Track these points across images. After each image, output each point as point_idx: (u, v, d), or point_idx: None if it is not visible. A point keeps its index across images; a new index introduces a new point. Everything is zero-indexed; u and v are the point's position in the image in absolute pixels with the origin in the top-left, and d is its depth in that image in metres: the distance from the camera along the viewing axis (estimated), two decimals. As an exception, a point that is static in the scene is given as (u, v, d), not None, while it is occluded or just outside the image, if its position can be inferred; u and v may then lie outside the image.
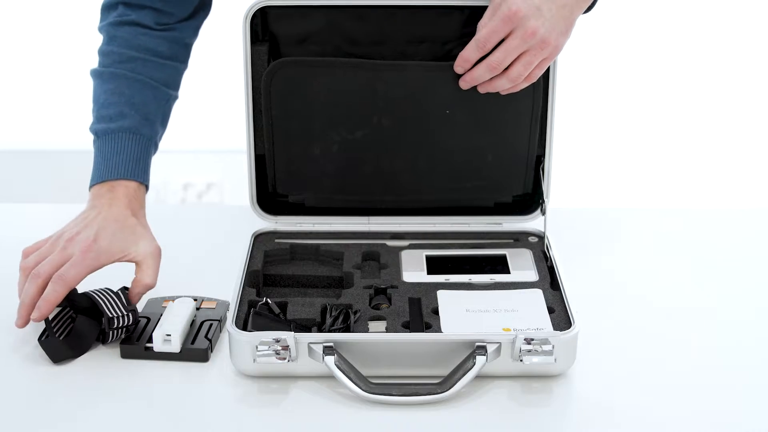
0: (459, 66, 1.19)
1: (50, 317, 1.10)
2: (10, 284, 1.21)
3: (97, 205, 1.20)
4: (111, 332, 1.10)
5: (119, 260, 1.16)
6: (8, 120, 2.91)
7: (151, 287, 1.15)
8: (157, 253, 1.17)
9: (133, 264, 1.17)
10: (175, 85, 1.32)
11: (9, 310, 1.19)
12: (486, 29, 1.14)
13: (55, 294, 1.09)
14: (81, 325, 1.11)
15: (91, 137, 1.27)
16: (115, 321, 1.09)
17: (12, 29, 2.79)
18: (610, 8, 2.50)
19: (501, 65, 1.16)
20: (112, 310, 1.09)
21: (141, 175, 1.24)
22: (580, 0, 1.15)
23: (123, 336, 1.11)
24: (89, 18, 2.84)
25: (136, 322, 1.11)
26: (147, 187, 1.26)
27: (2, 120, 2.91)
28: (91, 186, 1.23)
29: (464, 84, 1.21)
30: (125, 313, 1.10)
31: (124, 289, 1.13)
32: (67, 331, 1.11)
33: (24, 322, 1.10)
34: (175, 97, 1.33)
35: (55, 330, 1.09)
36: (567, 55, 1.55)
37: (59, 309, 1.12)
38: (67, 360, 1.08)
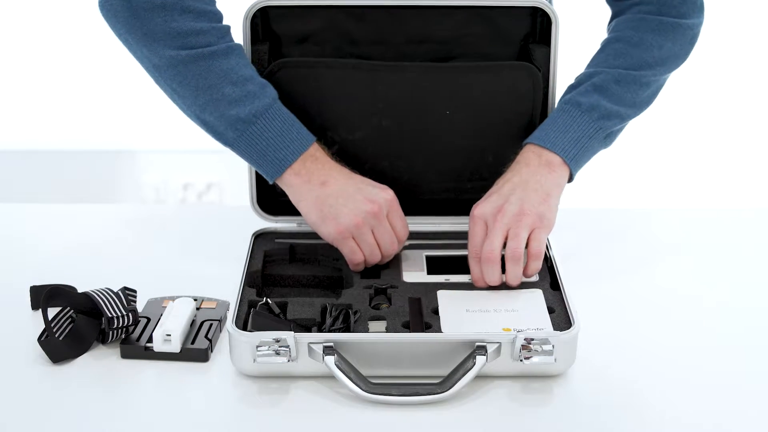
0: (477, 282, 1.18)
1: (50, 317, 1.10)
2: (10, 284, 1.21)
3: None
4: (111, 332, 1.10)
5: None
6: (8, 120, 2.91)
7: None
8: None
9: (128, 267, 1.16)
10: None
11: (9, 310, 1.19)
12: (469, 242, 1.18)
13: None
14: (81, 325, 1.11)
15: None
16: (115, 321, 1.09)
17: (12, 29, 2.79)
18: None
19: (492, 252, 1.14)
20: (111, 310, 1.09)
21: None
22: (554, 179, 1.19)
23: (123, 336, 1.11)
24: (89, 18, 2.85)
25: (136, 322, 1.11)
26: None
27: (2, 120, 2.91)
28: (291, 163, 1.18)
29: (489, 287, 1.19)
30: (125, 313, 1.10)
31: (125, 289, 1.13)
32: (66, 331, 1.11)
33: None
34: None
35: (54, 330, 1.09)
36: (568, 55, 1.55)
37: (59, 309, 1.12)
38: (66, 360, 1.08)
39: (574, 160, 1.21)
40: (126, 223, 1.45)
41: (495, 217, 1.16)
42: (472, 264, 1.17)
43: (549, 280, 1.20)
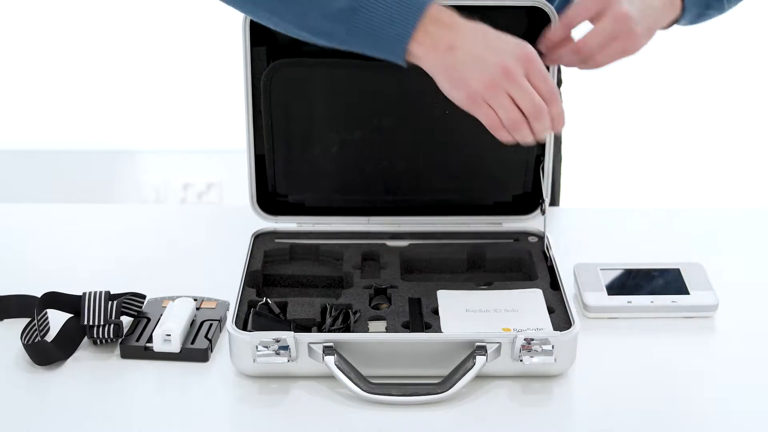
0: (542, 45, 1.14)
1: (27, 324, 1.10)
2: (11, 284, 1.21)
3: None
4: (93, 339, 1.10)
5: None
6: (8, 120, 2.91)
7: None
8: None
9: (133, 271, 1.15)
10: None
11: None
12: (575, 6, 1.11)
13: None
14: (68, 326, 1.10)
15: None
16: (93, 330, 1.09)
17: (12, 29, 2.79)
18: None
19: (587, 48, 1.11)
20: (93, 318, 1.09)
21: None
22: (666, 8, 1.16)
23: (108, 342, 1.11)
24: (89, 18, 2.85)
25: (118, 335, 1.10)
26: None
27: (2, 120, 2.91)
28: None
29: (549, 61, 1.15)
30: (102, 323, 1.09)
31: (131, 295, 1.14)
32: (44, 332, 1.11)
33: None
34: None
35: (40, 332, 1.09)
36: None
37: (30, 319, 1.12)
38: (55, 362, 1.08)
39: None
40: (126, 223, 1.45)
41: (618, 13, 1.11)
42: (556, 28, 1.15)
43: (549, 280, 1.20)
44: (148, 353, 1.09)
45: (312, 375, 1.05)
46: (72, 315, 1.12)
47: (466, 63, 1.05)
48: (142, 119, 2.92)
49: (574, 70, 1.24)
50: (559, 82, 1.56)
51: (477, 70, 1.05)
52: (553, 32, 1.16)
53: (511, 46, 1.06)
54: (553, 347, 1.03)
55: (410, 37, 1.05)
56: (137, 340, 1.10)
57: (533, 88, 1.05)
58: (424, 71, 1.23)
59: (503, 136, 1.08)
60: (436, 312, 1.13)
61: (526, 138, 1.07)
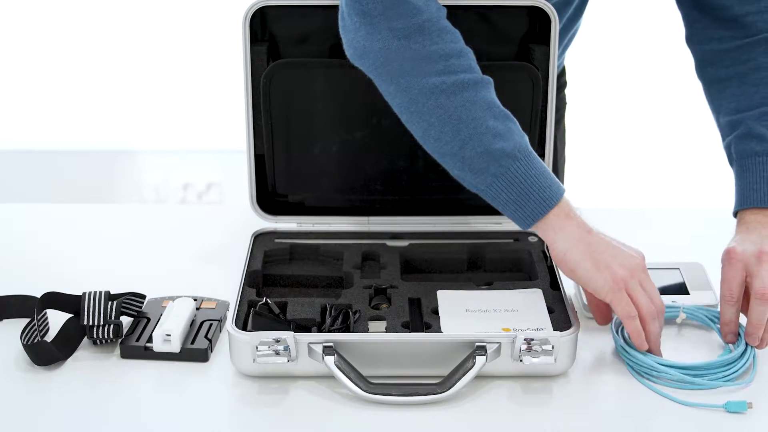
0: (730, 334, 1.10)
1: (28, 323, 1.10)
2: (11, 284, 1.21)
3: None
4: (93, 339, 1.10)
5: None
6: (8, 120, 2.91)
7: None
8: None
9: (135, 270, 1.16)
10: None
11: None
12: (723, 285, 1.11)
13: None
14: (68, 326, 1.10)
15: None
16: (93, 330, 1.09)
17: (12, 29, 2.79)
18: (615, 8, 2.49)
19: (765, 289, 1.07)
20: (92, 318, 1.09)
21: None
22: None
23: (108, 342, 1.11)
24: (89, 18, 2.85)
25: (118, 335, 1.10)
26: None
27: (2, 120, 2.91)
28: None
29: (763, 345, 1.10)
30: (102, 323, 1.09)
31: (132, 295, 1.14)
32: (44, 332, 1.11)
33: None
34: None
35: (40, 332, 1.09)
36: (568, 56, 1.55)
37: (30, 319, 1.11)
38: (55, 363, 1.08)
39: None
40: (126, 223, 1.45)
41: (759, 258, 1.09)
42: (725, 309, 1.10)
43: (549, 280, 1.20)
44: (148, 353, 1.09)
45: (312, 375, 1.05)
46: (72, 315, 1.12)
47: (607, 249, 1.06)
48: (142, 119, 2.92)
49: (577, 68, 1.24)
50: (564, 84, 1.56)
51: (618, 258, 1.06)
52: (726, 315, 1.11)
53: (632, 250, 1.08)
54: (553, 347, 1.03)
55: (555, 205, 1.07)
56: (137, 340, 1.10)
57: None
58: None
59: (641, 342, 1.06)
60: (436, 312, 1.13)
61: (637, 332, 1.05)
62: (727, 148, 1.22)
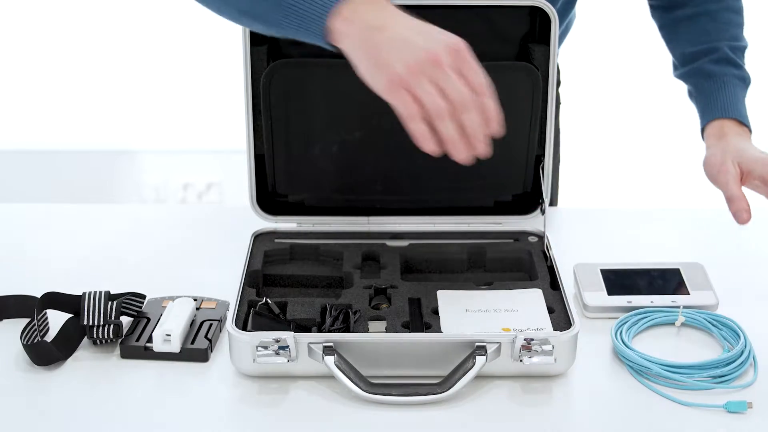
0: (741, 211, 1.25)
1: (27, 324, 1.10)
2: (10, 284, 1.21)
3: None
4: (93, 339, 1.10)
5: None
6: (8, 120, 2.91)
7: None
8: None
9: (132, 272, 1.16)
10: None
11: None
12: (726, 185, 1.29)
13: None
14: (68, 326, 1.10)
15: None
16: (93, 330, 1.09)
17: (12, 29, 2.79)
18: (609, 5, 2.49)
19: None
20: (92, 318, 1.09)
21: None
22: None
23: (108, 342, 1.11)
24: (89, 18, 2.85)
25: (118, 335, 1.10)
26: None
27: (2, 120, 2.91)
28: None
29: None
30: (102, 323, 1.09)
31: (132, 295, 1.13)
32: (44, 332, 1.11)
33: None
34: None
35: (40, 332, 1.09)
36: (568, 56, 1.55)
37: (30, 319, 1.12)
38: (55, 363, 1.08)
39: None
40: (126, 223, 1.45)
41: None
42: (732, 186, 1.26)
43: (549, 280, 1.20)
44: (148, 353, 1.09)
45: (312, 375, 1.05)
46: (72, 315, 1.12)
47: (392, 44, 0.97)
48: (142, 119, 2.92)
49: (573, 67, 1.24)
50: (558, 83, 1.56)
51: (404, 52, 0.97)
52: (733, 191, 1.29)
53: (444, 35, 0.99)
54: (553, 347, 1.03)
55: (331, 9, 0.99)
56: (137, 340, 1.10)
57: (464, 80, 0.98)
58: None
59: (428, 145, 1.00)
60: (436, 312, 1.13)
61: (458, 147, 0.99)
62: (697, 70, 1.40)
